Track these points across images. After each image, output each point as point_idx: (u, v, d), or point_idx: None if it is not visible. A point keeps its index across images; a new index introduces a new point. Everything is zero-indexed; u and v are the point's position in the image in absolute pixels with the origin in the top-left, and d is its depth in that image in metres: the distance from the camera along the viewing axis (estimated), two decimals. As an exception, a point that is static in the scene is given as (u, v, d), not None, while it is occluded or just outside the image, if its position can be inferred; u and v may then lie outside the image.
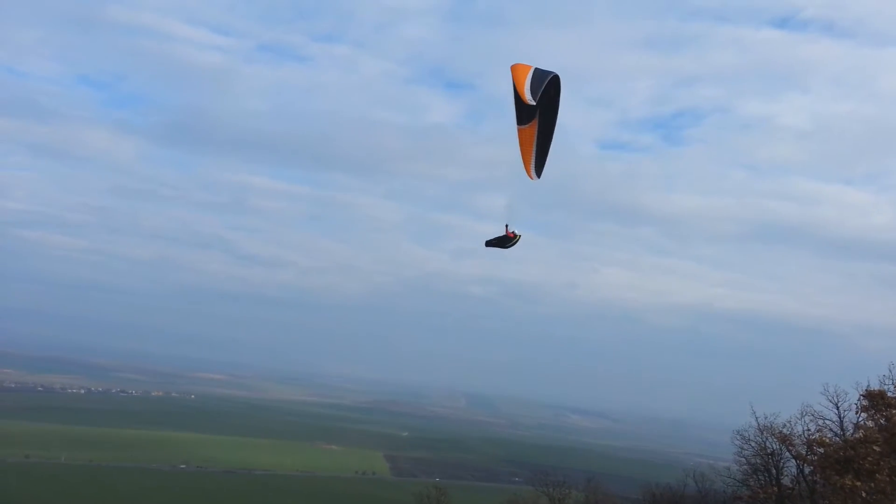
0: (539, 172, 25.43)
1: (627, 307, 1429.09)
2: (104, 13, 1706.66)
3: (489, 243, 27.49)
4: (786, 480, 47.66)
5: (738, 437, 50.50)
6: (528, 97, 22.73)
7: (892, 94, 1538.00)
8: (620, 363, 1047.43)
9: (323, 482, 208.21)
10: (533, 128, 24.51)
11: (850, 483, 34.60)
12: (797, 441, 46.02)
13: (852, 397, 43.90)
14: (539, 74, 23.14)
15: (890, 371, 41.20)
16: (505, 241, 27.00)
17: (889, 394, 38.35)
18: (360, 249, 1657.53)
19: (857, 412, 42.29)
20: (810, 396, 47.28)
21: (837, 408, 45.58)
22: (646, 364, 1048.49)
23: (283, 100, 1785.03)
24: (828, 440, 41.08)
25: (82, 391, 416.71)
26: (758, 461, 49.01)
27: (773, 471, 48.02)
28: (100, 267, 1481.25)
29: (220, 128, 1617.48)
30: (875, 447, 34.40)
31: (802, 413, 46.51)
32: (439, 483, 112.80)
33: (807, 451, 44.65)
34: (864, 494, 34.18)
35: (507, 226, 26.70)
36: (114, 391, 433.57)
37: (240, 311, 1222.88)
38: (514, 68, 23.26)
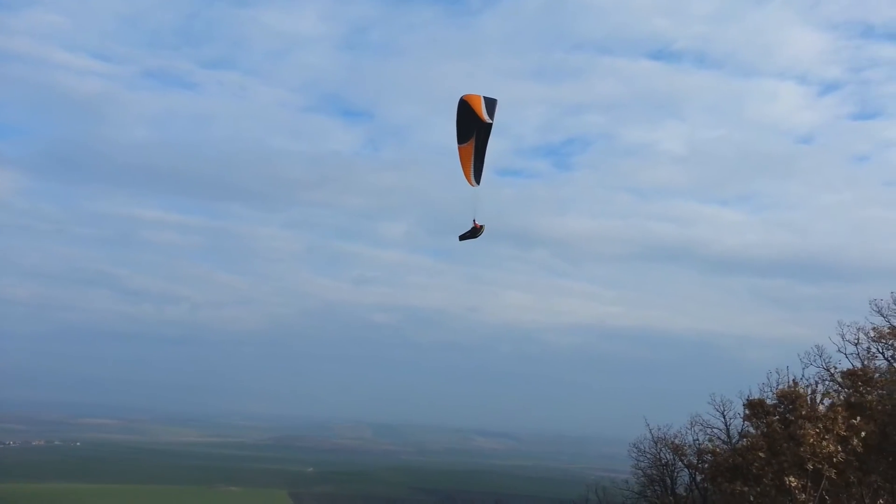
0: (478, 180, 29.95)
1: (528, 328, 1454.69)
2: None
3: (463, 237, 31.00)
4: (680, 489, 49.23)
5: (635, 450, 51.77)
6: (486, 118, 28.03)
7: (758, 121, 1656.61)
8: (523, 383, 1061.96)
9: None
10: (471, 145, 29.36)
11: (738, 488, 36.08)
12: (688, 451, 47.75)
13: (737, 406, 45.91)
14: (489, 100, 28.39)
15: (768, 379, 43.64)
16: (475, 232, 30.71)
17: (768, 402, 40.44)
18: (258, 281, 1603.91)
19: (743, 420, 44.33)
20: (699, 406, 49.15)
21: (724, 416, 47.64)
22: (548, 383, 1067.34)
23: (172, 128, 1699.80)
24: (718, 449, 42.83)
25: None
26: (653, 472, 50.32)
27: (668, 481, 49.52)
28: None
29: (104, 158, 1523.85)
30: (760, 453, 36.05)
31: (692, 423, 48.35)
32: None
33: (698, 460, 46.29)
34: (751, 498, 35.71)
35: (474, 220, 30.58)
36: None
37: (130, 350, 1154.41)
38: (468, 98, 28.18)
